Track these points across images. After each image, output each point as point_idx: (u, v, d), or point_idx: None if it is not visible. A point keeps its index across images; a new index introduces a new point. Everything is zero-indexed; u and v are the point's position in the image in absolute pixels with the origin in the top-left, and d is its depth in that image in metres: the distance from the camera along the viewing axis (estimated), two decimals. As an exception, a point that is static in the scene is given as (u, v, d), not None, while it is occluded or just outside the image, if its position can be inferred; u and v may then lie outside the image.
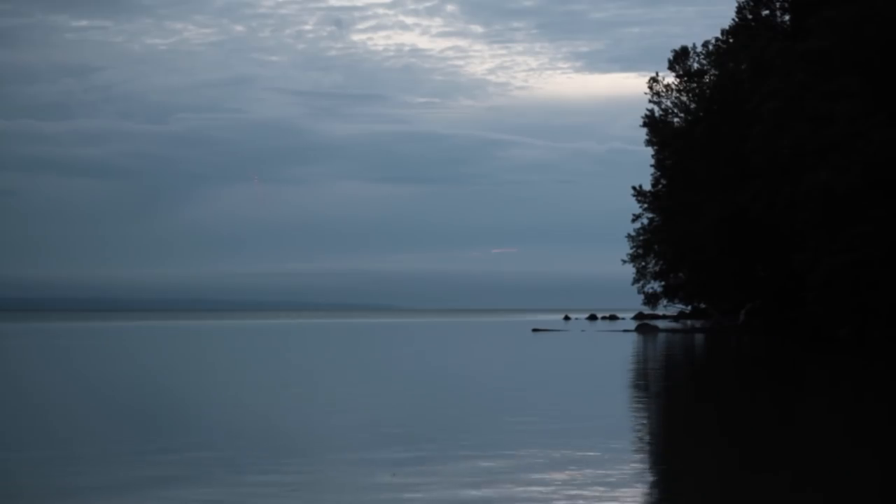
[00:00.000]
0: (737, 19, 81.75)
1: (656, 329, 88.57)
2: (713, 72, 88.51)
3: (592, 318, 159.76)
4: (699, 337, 74.14)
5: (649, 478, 14.59)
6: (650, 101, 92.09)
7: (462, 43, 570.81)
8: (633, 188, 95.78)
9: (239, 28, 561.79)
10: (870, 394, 28.72)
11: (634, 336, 77.66)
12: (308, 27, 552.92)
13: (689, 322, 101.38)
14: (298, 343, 70.32)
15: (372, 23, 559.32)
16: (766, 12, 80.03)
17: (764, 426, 20.58)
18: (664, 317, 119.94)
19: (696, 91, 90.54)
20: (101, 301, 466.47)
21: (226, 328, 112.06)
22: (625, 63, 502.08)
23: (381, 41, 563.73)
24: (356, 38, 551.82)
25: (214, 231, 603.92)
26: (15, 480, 14.46)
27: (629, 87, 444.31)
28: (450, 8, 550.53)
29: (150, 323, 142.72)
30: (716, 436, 19.44)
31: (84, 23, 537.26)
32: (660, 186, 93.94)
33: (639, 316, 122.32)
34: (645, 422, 21.46)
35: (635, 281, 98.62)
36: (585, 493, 13.23)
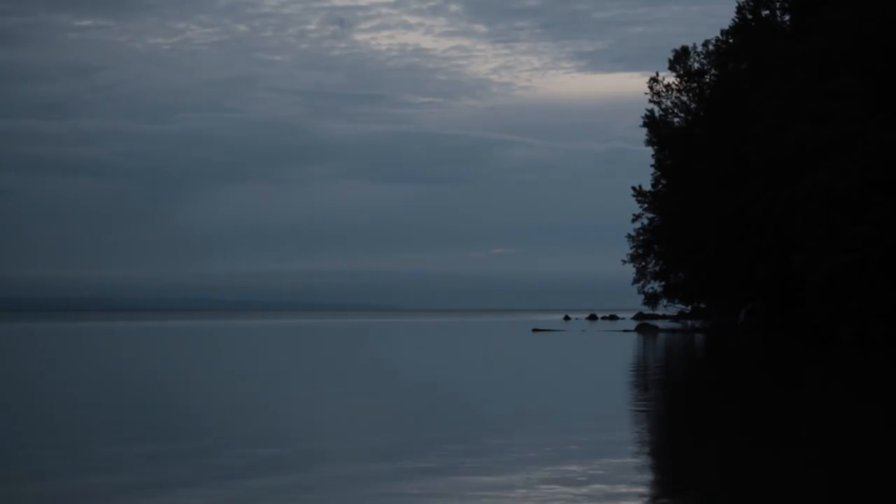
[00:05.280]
0: (737, 19, 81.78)
1: (656, 329, 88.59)
2: (713, 72, 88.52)
3: (592, 318, 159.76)
4: (699, 337, 74.16)
5: (652, 478, 14.60)
6: (650, 101, 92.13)
7: (465, 42, 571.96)
8: (633, 188, 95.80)
9: (242, 28, 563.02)
10: (869, 394, 28.72)
11: (635, 336, 77.68)
12: (311, 27, 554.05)
13: (689, 322, 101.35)
14: (299, 344, 70.34)
15: (375, 22, 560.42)
16: (766, 12, 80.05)
17: (764, 425, 20.59)
18: (664, 317, 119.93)
19: (696, 91, 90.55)
20: (101, 301, 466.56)
21: (225, 328, 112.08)
22: (628, 62, 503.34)
23: (384, 41, 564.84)
24: (359, 37, 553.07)
25: (214, 231, 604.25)
26: (14, 485, 14.43)
27: (632, 86, 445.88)
28: (453, 7, 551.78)
29: (150, 323, 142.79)
30: (717, 435, 19.44)
31: (87, 22, 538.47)
32: (660, 186, 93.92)
33: (639, 316, 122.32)
34: (646, 422, 21.47)
35: (635, 281, 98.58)
36: (588, 495, 13.23)
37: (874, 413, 23.41)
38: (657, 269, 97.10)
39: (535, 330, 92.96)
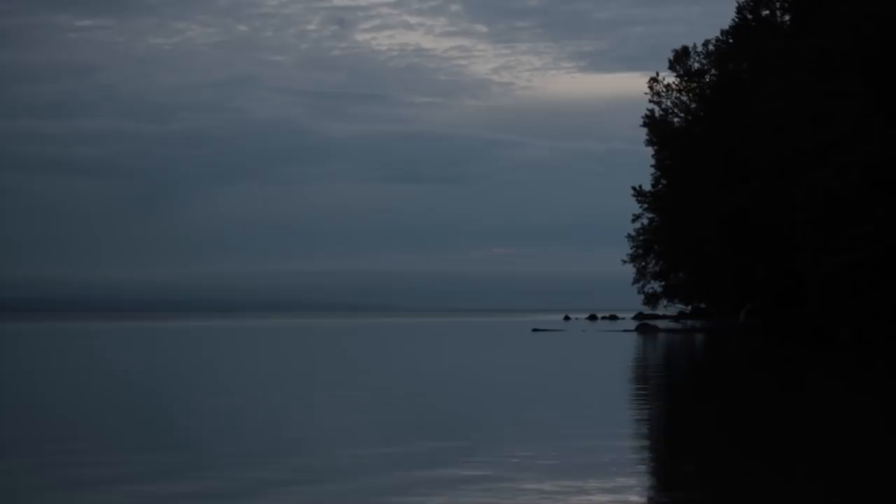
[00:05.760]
0: (737, 19, 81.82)
1: (656, 329, 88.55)
2: (713, 72, 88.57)
3: (592, 318, 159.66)
4: (699, 337, 74.12)
5: (651, 478, 14.58)
6: (650, 101, 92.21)
7: (466, 42, 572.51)
8: (633, 188, 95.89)
9: (242, 28, 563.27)
10: (869, 394, 28.70)
11: (635, 336, 77.65)
12: (311, 27, 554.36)
13: (689, 322, 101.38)
14: (298, 345, 70.28)
15: (376, 22, 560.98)
16: (766, 12, 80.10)
17: (764, 426, 20.57)
18: (664, 317, 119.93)
19: (696, 91, 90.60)
20: (101, 301, 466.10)
21: (226, 329, 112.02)
22: (629, 62, 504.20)
23: (384, 41, 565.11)
24: (360, 37, 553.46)
25: (214, 231, 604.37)
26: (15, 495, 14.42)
27: (633, 86, 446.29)
28: (454, 7, 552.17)
29: (150, 324, 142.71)
30: (717, 435, 19.42)
31: (87, 22, 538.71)
32: (660, 186, 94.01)
33: (639, 316, 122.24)
34: (646, 421, 21.45)
35: (635, 281, 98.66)
36: (587, 496, 13.22)
37: (874, 416, 23.39)
38: (657, 269, 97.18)
39: (535, 330, 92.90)
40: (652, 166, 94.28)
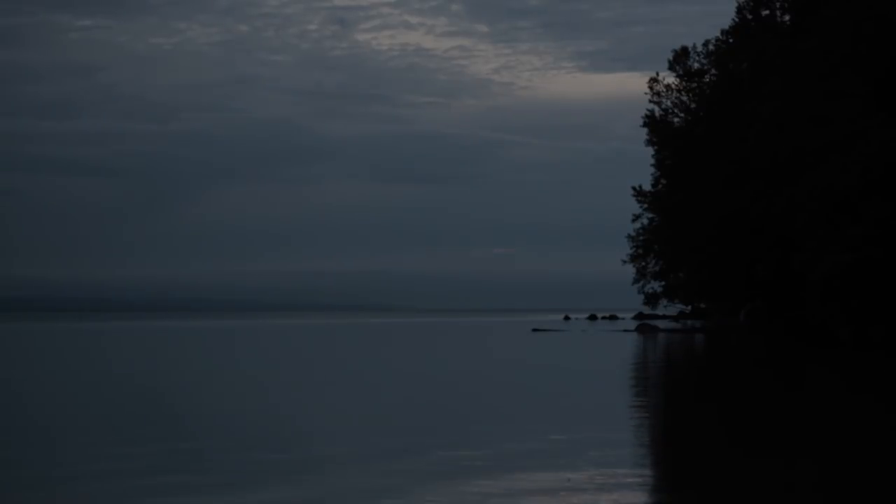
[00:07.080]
0: (737, 19, 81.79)
1: (656, 329, 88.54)
2: (713, 72, 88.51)
3: (592, 318, 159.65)
4: (699, 337, 74.14)
5: (650, 478, 14.59)
6: (650, 101, 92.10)
7: (466, 42, 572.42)
8: (633, 188, 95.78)
9: (243, 28, 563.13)
10: (869, 393, 28.70)
11: (635, 336, 77.67)
12: (312, 27, 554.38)
13: (689, 322, 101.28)
14: (298, 345, 70.29)
15: (376, 22, 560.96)
16: (766, 12, 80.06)
17: (765, 426, 20.57)
18: (664, 317, 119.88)
19: (696, 91, 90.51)
20: (101, 301, 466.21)
21: (226, 329, 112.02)
22: (629, 62, 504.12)
23: (385, 41, 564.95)
24: (360, 37, 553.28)
25: (215, 231, 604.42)
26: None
27: (633, 86, 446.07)
28: (454, 7, 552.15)
29: (149, 324, 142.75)
30: (717, 435, 19.43)
31: (88, 22, 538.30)
32: (660, 186, 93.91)
33: (639, 316, 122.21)
34: (646, 421, 21.45)
35: (635, 281, 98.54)
36: (585, 497, 13.23)
37: (873, 416, 23.39)
38: (657, 269, 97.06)
39: (535, 330, 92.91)
40: (652, 166, 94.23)
